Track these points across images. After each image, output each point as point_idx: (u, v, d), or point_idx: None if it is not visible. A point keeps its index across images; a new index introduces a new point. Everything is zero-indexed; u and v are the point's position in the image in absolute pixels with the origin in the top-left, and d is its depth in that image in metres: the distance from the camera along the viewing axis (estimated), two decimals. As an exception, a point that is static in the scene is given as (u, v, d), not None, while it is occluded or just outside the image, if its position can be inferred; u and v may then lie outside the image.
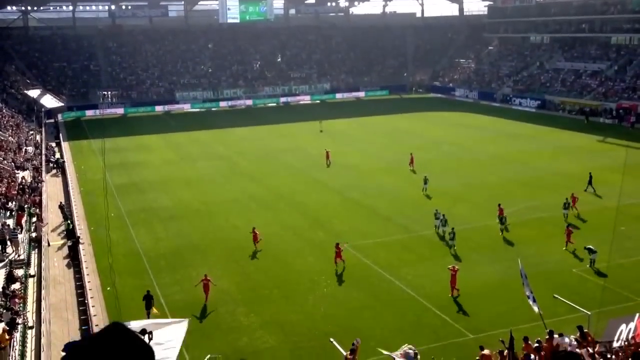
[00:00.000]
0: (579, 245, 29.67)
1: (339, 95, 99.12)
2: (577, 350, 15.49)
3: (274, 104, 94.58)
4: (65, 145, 61.80)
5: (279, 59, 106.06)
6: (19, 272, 26.37)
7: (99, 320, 23.74)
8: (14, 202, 35.78)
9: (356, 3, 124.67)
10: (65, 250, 31.78)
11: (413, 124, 71.89)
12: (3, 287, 23.79)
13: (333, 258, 28.69)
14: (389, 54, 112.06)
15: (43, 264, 27.64)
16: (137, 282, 27.32)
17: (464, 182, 44.19)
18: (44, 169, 48.61)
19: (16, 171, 45.23)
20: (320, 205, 39.68)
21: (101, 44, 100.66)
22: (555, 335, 15.92)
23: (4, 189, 37.41)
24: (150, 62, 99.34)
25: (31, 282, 26.03)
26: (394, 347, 18.05)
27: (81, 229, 34.90)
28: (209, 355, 19.76)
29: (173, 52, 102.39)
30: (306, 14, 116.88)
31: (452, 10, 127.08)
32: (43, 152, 54.98)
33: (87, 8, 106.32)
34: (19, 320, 21.45)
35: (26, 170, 47.02)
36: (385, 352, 17.69)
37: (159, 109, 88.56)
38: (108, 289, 26.50)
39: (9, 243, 29.38)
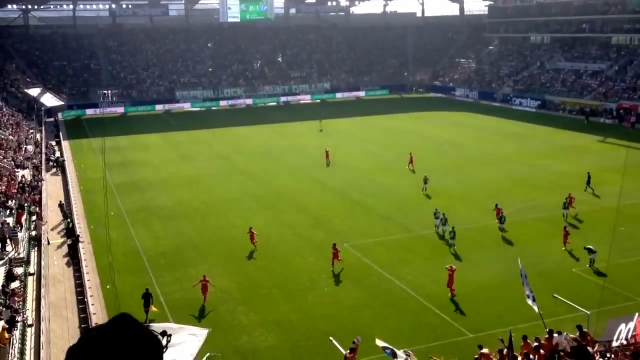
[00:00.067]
0: (579, 245, 29.67)
1: (339, 95, 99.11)
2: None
3: (274, 103, 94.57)
4: (65, 144, 61.81)
5: (280, 59, 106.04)
6: (19, 271, 26.37)
7: (98, 319, 23.73)
8: (13, 201, 35.78)
9: (356, 2, 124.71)
10: (65, 249, 31.80)
11: (413, 124, 71.88)
12: (3, 285, 23.79)
13: (335, 256, 28.60)
14: (389, 54, 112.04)
15: (43, 263, 27.63)
16: (136, 280, 27.32)
17: (464, 181, 44.19)
18: (44, 167, 48.61)
19: (16, 170, 45.24)
20: (320, 204, 39.69)
21: (101, 42, 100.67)
22: (555, 335, 15.92)
23: (3, 187, 37.41)
24: (151, 61, 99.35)
25: (31, 281, 26.02)
26: (393, 346, 18.04)
27: (81, 227, 34.91)
28: (208, 354, 19.76)
29: (173, 51, 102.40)
30: (306, 13, 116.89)
31: (453, 10, 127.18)
32: (43, 150, 54.99)
33: (88, 7, 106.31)
34: (19, 319, 21.45)
35: (26, 168, 47.03)
36: (381, 344, 17.66)
37: (159, 107, 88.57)
38: (108, 287, 26.52)
39: (8, 241, 29.39)
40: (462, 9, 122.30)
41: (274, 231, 34.44)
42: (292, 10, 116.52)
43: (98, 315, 24.07)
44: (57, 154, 55.86)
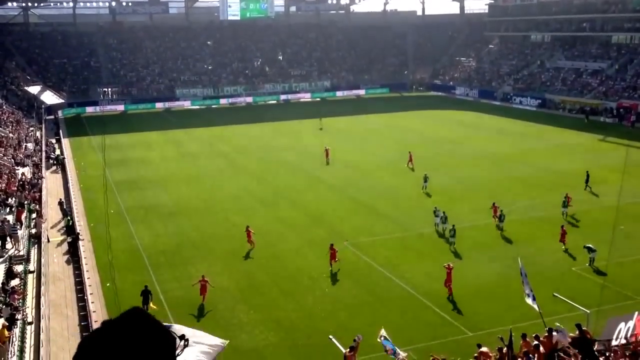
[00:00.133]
0: (579, 244, 29.67)
1: (339, 93, 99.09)
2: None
3: (274, 102, 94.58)
4: (65, 141, 61.81)
5: (280, 57, 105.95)
6: (19, 268, 26.37)
7: (98, 317, 23.75)
8: (13, 198, 35.79)
9: (357, 1, 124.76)
10: (65, 247, 31.81)
11: (413, 122, 71.87)
12: (2, 283, 23.80)
13: (332, 257, 28.52)
14: (389, 52, 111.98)
15: (43, 260, 27.64)
16: (136, 278, 27.32)
17: (464, 180, 44.19)
18: (44, 165, 48.62)
19: (16, 167, 45.23)
20: (320, 202, 39.69)
21: (101, 40, 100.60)
22: (554, 333, 15.92)
23: (4, 185, 37.42)
24: (151, 59, 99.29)
25: (31, 278, 26.03)
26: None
27: (81, 225, 34.92)
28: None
29: (173, 49, 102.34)
30: (307, 11, 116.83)
31: (453, 8, 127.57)
32: (43, 148, 54.97)
33: (88, 4, 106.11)
34: (19, 316, 21.45)
35: (26, 166, 47.03)
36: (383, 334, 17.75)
37: (159, 105, 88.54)
38: (108, 285, 26.54)
39: (8, 239, 29.40)
40: (462, 8, 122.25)
41: (273, 229, 34.45)
42: (293, 9, 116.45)
43: (98, 313, 24.08)
44: (57, 151, 55.85)
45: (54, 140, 61.84)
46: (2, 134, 53.27)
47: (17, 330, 20.33)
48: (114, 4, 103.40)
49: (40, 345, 20.04)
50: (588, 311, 19.79)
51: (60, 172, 49.62)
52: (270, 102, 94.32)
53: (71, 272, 28.80)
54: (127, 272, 28.33)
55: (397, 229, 34.31)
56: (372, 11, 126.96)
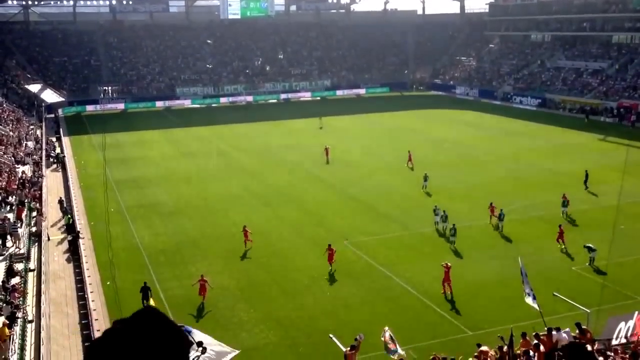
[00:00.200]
0: (579, 243, 29.68)
1: (339, 92, 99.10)
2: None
3: (275, 101, 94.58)
4: (65, 140, 61.83)
5: (280, 56, 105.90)
6: (19, 266, 26.40)
7: (98, 315, 23.79)
8: (14, 197, 35.81)
9: (357, 0, 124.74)
10: (65, 245, 31.82)
11: (413, 122, 71.87)
12: (3, 281, 23.81)
13: (330, 257, 28.36)
14: (389, 52, 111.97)
15: (43, 258, 27.67)
16: (136, 276, 27.31)
17: (464, 179, 44.19)
18: (44, 163, 48.64)
19: (16, 165, 45.26)
20: (320, 201, 39.70)
21: (102, 39, 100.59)
22: (554, 332, 15.93)
23: (4, 183, 37.44)
24: (151, 57, 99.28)
25: (31, 276, 26.06)
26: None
27: (81, 223, 34.93)
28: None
29: (174, 48, 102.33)
30: (307, 10, 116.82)
31: (453, 8, 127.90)
32: (43, 146, 54.99)
33: (88, 3, 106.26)
34: (19, 314, 21.47)
35: (26, 164, 47.07)
36: (387, 334, 17.82)
37: (159, 104, 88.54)
38: (108, 283, 26.55)
39: (9, 237, 29.42)
40: (462, 7, 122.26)
41: (273, 228, 34.46)
42: (293, 8, 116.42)
43: (98, 312, 24.11)
44: (58, 150, 55.89)
45: (54, 139, 61.84)
46: (3, 132, 53.28)
47: (17, 329, 20.36)
48: (114, 2, 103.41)
49: (41, 343, 20.07)
50: (588, 310, 19.80)
51: (60, 170, 49.64)
52: (271, 101, 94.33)
53: (71, 271, 28.81)
54: (127, 270, 28.33)
55: (397, 228, 34.32)
56: (373, 10, 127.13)
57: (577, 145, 56.41)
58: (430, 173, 42.47)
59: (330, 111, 78.41)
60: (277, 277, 27.92)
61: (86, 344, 21.81)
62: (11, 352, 18.79)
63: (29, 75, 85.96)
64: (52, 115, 75.22)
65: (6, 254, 27.90)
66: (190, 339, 14.17)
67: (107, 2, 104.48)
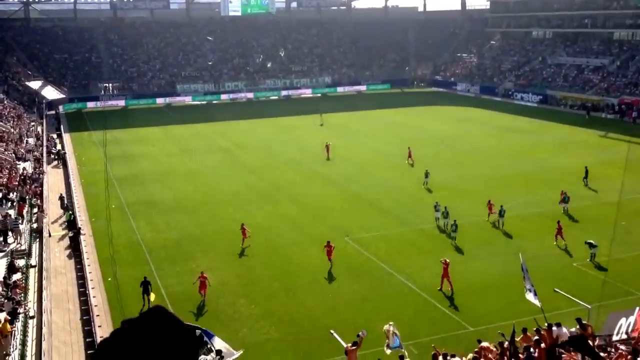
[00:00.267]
0: (580, 239, 29.69)
1: (340, 89, 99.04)
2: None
3: (276, 97, 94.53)
4: (66, 136, 61.83)
5: (281, 53, 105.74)
6: (20, 263, 26.44)
7: (100, 311, 23.83)
8: (15, 193, 35.84)
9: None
10: (67, 241, 31.86)
11: (414, 118, 71.83)
12: (4, 277, 23.86)
13: (329, 254, 28.28)
14: (390, 48, 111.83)
15: (44, 255, 27.71)
16: (137, 273, 27.31)
17: (465, 176, 44.18)
18: (45, 160, 48.66)
19: (17, 162, 45.30)
20: (321, 198, 39.71)
21: (102, 36, 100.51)
22: (554, 328, 15.93)
23: (5, 179, 37.46)
24: (152, 54, 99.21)
25: (32, 273, 26.11)
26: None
27: (82, 220, 34.95)
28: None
29: (174, 45, 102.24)
30: (308, 7, 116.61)
31: (454, 4, 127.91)
32: (44, 143, 55.02)
33: (89, 0, 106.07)
34: (21, 310, 21.52)
35: (27, 161, 47.10)
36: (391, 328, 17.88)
37: (160, 101, 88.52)
38: (109, 279, 26.58)
39: (10, 233, 29.46)
40: (463, 4, 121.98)
41: (274, 225, 34.48)
42: (294, 5, 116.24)
43: (99, 308, 24.15)
44: (58, 146, 55.89)
45: (55, 135, 61.86)
46: (4, 129, 53.30)
47: (19, 324, 20.41)
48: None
49: (42, 339, 20.11)
50: (589, 306, 19.81)
51: (61, 167, 49.67)
52: (271, 97, 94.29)
53: (73, 267, 28.85)
54: (128, 267, 28.35)
55: (398, 224, 34.32)
56: (374, 7, 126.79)
57: (578, 142, 56.37)
58: (431, 169, 42.48)
59: (331, 108, 78.37)
60: (278, 273, 27.94)
61: (94, 341, 21.84)
62: (13, 347, 18.84)
63: (29, 72, 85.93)
64: (53, 112, 75.19)
65: (7, 250, 27.94)
66: (210, 345, 14.09)
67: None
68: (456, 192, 39.86)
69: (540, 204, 37.07)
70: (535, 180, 42.62)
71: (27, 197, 35.34)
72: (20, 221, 31.00)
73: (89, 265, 28.07)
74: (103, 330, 22.12)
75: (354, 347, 17.59)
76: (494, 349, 16.60)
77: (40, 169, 44.70)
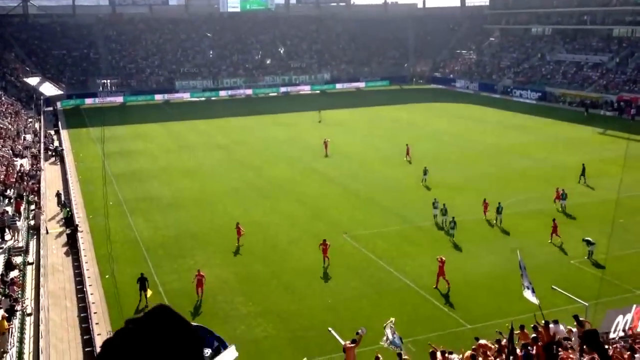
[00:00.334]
0: (578, 236, 29.67)
1: (339, 86, 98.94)
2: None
3: (274, 94, 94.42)
4: (64, 133, 61.70)
5: (280, 49, 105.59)
6: (18, 260, 26.39)
7: (97, 308, 23.79)
8: (12, 190, 35.78)
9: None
10: (64, 238, 31.80)
11: (413, 115, 71.77)
12: (2, 275, 23.81)
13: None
14: (389, 45, 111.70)
15: (42, 252, 27.67)
16: (135, 270, 27.26)
17: (464, 173, 44.16)
18: (42, 156, 48.57)
19: (15, 159, 45.21)
20: (319, 195, 39.67)
21: (101, 32, 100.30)
22: (551, 325, 15.94)
23: (2, 176, 37.38)
24: (150, 50, 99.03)
25: (30, 270, 26.06)
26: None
27: (80, 217, 34.89)
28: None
29: (173, 41, 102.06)
30: (307, 3, 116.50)
31: (454, 1, 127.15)
32: (42, 140, 54.91)
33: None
34: (18, 308, 21.48)
35: (25, 158, 47.01)
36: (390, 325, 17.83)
37: (158, 97, 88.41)
38: (107, 277, 26.54)
39: (7, 230, 29.40)
40: (463, 0, 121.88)
41: (272, 222, 34.44)
42: (293, 1, 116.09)
43: (97, 305, 24.11)
44: (56, 143, 55.79)
45: (52, 132, 61.77)
46: (1, 126, 53.18)
47: (16, 322, 20.38)
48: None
49: (40, 336, 20.08)
50: (586, 304, 19.81)
51: (59, 163, 49.58)
52: (270, 94, 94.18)
53: (70, 264, 28.80)
54: (126, 264, 28.32)
55: (397, 221, 34.30)
56: (373, 3, 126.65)
57: (576, 139, 56.35)
58: (430, 167, 42.44)
59: (330, 104, 78.30)
60: (276, 270, 27.92)
61: (91, 338, 21.81)
62: (10, 345, 18.81)
63: (27, 68, 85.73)
64: (51, 109, 75.03)
65: (5, 247, 27.87)
66: (222, 354, 14.00)
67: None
68: (455, 189, 39.83)
69: (538, 201, 37.04)
70: (534, 177, 42.60)
71: (24, 194, 35.28)
72: (17, 218, 30.94)
73: (86, 263, 28.03)
74: (100, 327, 22.11)
75: (352, 345, 17.55)
76: (492, 347, 16.61)
77: (38, 165, 44.62)
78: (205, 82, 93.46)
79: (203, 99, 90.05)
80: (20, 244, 28.52)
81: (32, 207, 33.97)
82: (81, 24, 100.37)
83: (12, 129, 54.80)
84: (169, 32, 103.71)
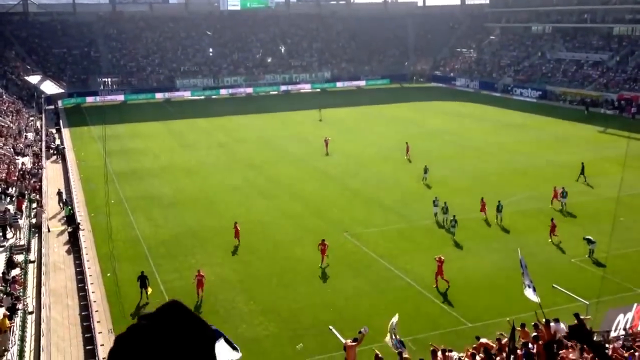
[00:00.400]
0: (579, 235, 29.69)
1: (339, 84, 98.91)
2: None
3: (275, 92, 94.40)
4: (65, 131, 61.75)
5: (281, 47, 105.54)
6: (19, 258, 26.44)
7: (98, 307, 23.84)
8: (14, 188, 35.81)
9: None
10: (66, 236, 31.85)
11: (414, 114, 71.76)
12: (3, 273, 23.86)
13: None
14: (390, 43, 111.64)
15: (43, 250, 27.71)
16: (137, 268, 27.29)
17: (464, 171, 44.18)
18: (44, 155, 48.61)
19: (16, 157, 45.24)
20: (320, 193, 39.70)
21: (101, 30, 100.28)
22: (552, 324, 15.98)
23: (4, 174, 37.42)
24: (151, 49, 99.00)
25: (31, 268, 26.10)
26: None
27: (81, 215, 34.93)
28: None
29: (173, 39, 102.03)
30: (307, 2, 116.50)
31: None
32: (43, 138, 54.95)
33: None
34: (19, 306, 21.52)
35: (26, 156, 47.05)
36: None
37: (159, 96, 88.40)
38: (108, 275, 26.60)
39: (9, 228, 29.45)
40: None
41: (273, 220, 34.47)
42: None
43: (98, 303, 24.16)
44: (58, 141, 55.83)
45: (54, 130, 61.80)
46: (3, 124, 53.21)
47: (18, 320, 20.42)
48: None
49: (41, 334, 20.13)
50: (587, 302, 19.86)
51: (60, 162, 49.62)
52: (271, 92, 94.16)
53: (72, 262, 28.85)
54: (127, 262, 28.36)
55: (397, 220, 34.33)
56: (373, 2, 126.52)
57: (577, 137, 56.36)
58: (430, 165, 42.46)
59: (330, 103, 78.30)
60: (277, 268, 27.95)
61: (92, 336, 21.86)
62: (11, 343, 18.85)
63: (28, 67, 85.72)
64: (52, 107, 75.08)
65: (6, 245, 27.93)
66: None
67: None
68: (455, 188, 39.85)
69: (539, 199, 37.06)
70: (534, 176, 42.62)
71: (26, 192, 35.32)
72: (19, 216, 30.99)
73: (88, 261, 28.08)
74: (102, 325, 22.18)
75: (353, 343, 17.60)
76: (493, 345, 16.65)
77: (39, 164, 44.65)
78: (205, 81, 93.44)
79: (203, 97, 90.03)
80: (22, 242, 28.57)
81: (34, 205, 34.02)
82: (81, 22, 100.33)
83: (14, 128, 54.84)
84: (169, 31, 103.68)
